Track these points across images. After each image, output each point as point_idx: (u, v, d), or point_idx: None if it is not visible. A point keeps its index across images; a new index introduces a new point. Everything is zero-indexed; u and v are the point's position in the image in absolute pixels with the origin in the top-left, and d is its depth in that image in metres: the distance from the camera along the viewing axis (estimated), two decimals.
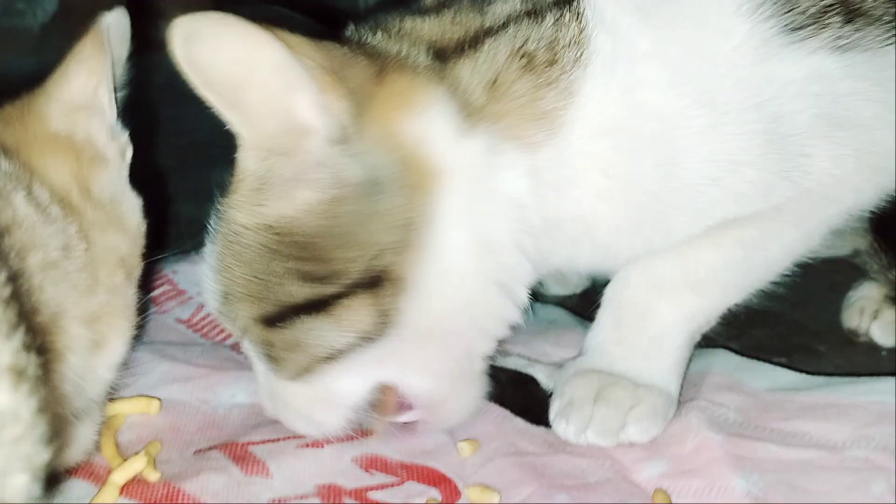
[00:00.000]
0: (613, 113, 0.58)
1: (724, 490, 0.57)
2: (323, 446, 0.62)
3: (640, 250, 0.63)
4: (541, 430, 0.65)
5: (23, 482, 0.37)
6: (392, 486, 0.59)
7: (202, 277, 0.62)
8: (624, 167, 0.58)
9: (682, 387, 0.67)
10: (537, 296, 0.85)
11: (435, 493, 0.58)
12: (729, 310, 0.70)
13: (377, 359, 0.58)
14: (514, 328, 0.78)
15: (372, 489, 0.59)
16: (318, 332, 0.56)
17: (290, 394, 0.60)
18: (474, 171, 0.57)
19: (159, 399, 0.65)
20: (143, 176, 1.13)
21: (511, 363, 0.73)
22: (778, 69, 0.58)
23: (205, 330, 0.76)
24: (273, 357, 0.58)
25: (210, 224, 0.61)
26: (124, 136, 0.64)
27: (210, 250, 0.61)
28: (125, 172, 0.64)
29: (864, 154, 0.61)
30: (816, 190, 0.60)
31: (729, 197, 0.60)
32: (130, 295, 0.61)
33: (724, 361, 0.72)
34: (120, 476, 0.57)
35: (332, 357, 0.57)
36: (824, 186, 0.61)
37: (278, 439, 0.62)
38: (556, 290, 0.86)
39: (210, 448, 0.62)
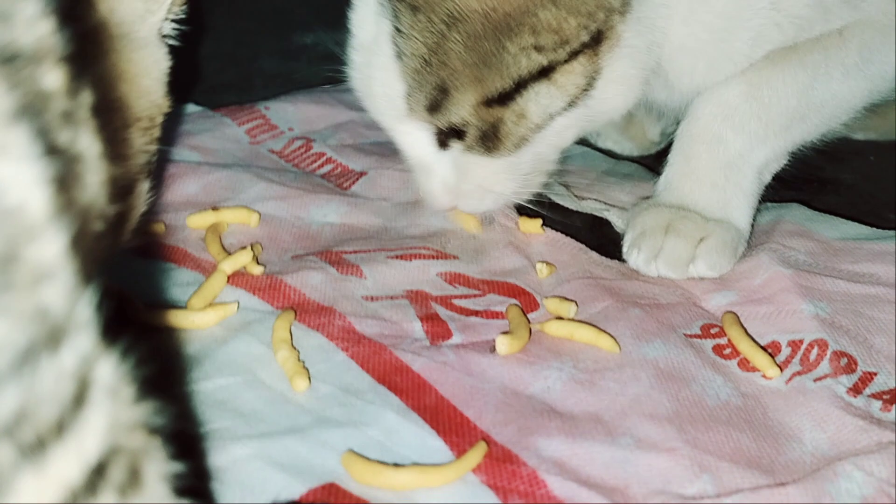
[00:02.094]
0: None
1: (791, 313, 0.60)
2: (410, 259, 0.66)
3: (701, 76, 0.66)
4: (614, 262, 0.69)
5: None
6: (475, 296, 0.64)
7: (374, 89, 0.64)
8: None
9: (753, 233, 0.70)
10: (614, 155, 0.88)
11: (515, 303, 0.62)
12: (799, 172, 0.72)
13: (557, 130, 0.64)
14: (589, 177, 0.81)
15: (456, 297, 0.63)
16: (544, 98, 0.61)
17: (483, 171, 0.64)
18: None
19: (258, 212, 0.70)
20: (227, 35, 1.17)
21: (587, 207, 0.76)
22: None
23: (296, 160, 0.80)
24: (497, 136, 0.62)
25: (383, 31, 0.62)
26: None
27: (389, 54, 0.61)
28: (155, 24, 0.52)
29: None
30: (878, 18, 0.62)
31: (787, 20, 0.62)
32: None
33: (797, 213, 0.74)
34: (228, 265, 0.61)
35: (542, 126, 0.62)
36: (886, 15, 0.62)
37: (369, 251, 0.67)
38: (630, 149, 0.88)
39: (306, 254, 0.66)
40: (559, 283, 0.65)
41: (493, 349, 0.56)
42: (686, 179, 0.67)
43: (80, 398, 0.27)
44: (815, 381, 0.54)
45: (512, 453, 0.48)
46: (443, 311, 0.61)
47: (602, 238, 0.73)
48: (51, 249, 0.26)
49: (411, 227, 0.72)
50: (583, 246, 0.70)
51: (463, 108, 0.61)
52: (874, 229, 0.72)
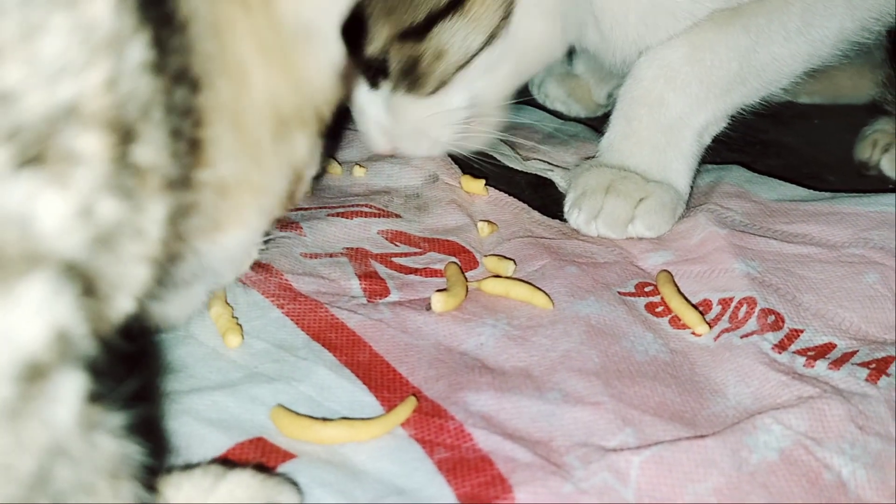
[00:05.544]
0: None
1: (723, 272, 0.61)
2: (351, 217, 0.66)
3: (634, 29, 0.66)
4: (556, 221, 0.69)
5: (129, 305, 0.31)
6: (415, 254, 0.64)
7: None
8: None
9: (692, 194, 0.71)
10: (561, 116, 0.88)
11: (454, 261, 0.62)
12: (743, 135, 0.72)
13: (482, 69, 0.65)
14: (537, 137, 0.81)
15: (396, 255, 0.63)
16: (461, 33, 0.62)
17: (414, 113, 0.66)
18: None
19: None
20: None
21: (532, 167, 0.77)
22: None
23: None
24: (416, 72, 0.63)
25: None
26: None
27: None
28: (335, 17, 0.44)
29: None
30: None
31: None
32: (276, 167, 0.43)
33: (736, 175, 0.75)
34: None
35: (464, 63, 0.64)
36: None
37: (310, 208, 0.67)
38: (577, 111, 0.88)
39: None
40: (500, 241, 0.65)
41: (428, 307, 0.57)
42: (627, 141, 0.68)
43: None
44: (741, 337, 0.55)
45: (441, 408, 0.48)
46: (382, 269, 0.61)
47: (545, 198, 0.73)
48: None
49: (354, 186, 0.72)
50: (525, 205, 0.71)
51: (379, 42, 0.61)
52: (811, 191, 0.73)
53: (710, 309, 0.58)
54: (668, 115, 0.66)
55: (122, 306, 0.31)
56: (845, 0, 0.64)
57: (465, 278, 0.60)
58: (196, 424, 0.46)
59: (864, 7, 0.65)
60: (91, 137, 0.26)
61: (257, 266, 0.59)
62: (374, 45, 0.61)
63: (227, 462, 0.44)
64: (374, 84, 0.65)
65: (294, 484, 0.42)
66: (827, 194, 0.72)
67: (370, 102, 0.67)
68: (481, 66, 0.65)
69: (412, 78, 0.63)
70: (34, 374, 0.25)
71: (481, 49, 0.63)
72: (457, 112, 0.67)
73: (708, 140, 0.69)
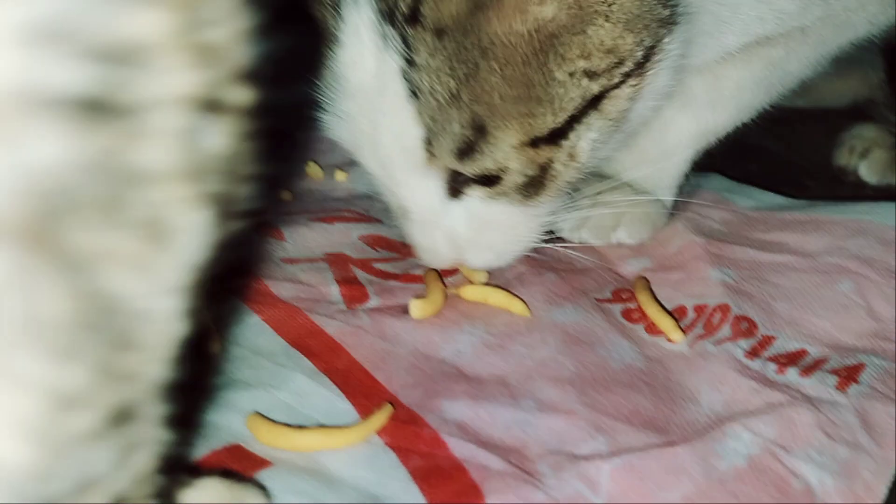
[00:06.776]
0: None
1: (699, 280, 0.62)
2: (333, 222, 0.67)
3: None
4: None
5: None
6: (395, 259, 0.64)
7: (378, 138, 0.54)
8: None
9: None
10: None
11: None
12: (724, 140, 0.73)
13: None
14: None
15: (376, 260, 0.64)
16: (594, 131, 0.53)
17: (513, 218, 0.57)
18: None
19: None
20: None
21: None
22: None
23: None
24: (543, 179, 0.54)
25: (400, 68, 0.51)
26: None
27: (399, 94, 0.51)
28: None
29: None
30: (840, 15, 0.63)
31: (771, 15, 0.60)
32: None
33: (715, 183, 0.76)
34: None
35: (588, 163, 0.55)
36: (848, 12, 0.63)
37: (290, 212, 0.67)
38: None
39: None
40: None
41: (405, 312, 0.57)
42: (628, 153, 0.66)
43: None
44: (715, 344, 0.56)
45: (416, 415, 0.49)
46: (362, 275, 0.62)
47: None
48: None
49: (336, 190, 0.72)
50: None
51: (503, 150, 0.52)
52: (790, 199, 0.74)
53: (686, 315, 0.59)
54: (676, 137, 0.67)
55: None
56: (851, 28, 0.64)
57: (444, 284, 0.60)
58: None
59: (861, 31, 0.65)
60: None
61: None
62: (497, 156, 0.52)
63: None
64: (455, 194, 0.56)
65: (263, 488, 0.43)
66: (804, 202, 0.73)
67: (445, 213, 0.57)
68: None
69: (534, 186, 0.54)
70: None
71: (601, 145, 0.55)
72: (546, 211, 0.58)
73: (698, 156, 0.70)
